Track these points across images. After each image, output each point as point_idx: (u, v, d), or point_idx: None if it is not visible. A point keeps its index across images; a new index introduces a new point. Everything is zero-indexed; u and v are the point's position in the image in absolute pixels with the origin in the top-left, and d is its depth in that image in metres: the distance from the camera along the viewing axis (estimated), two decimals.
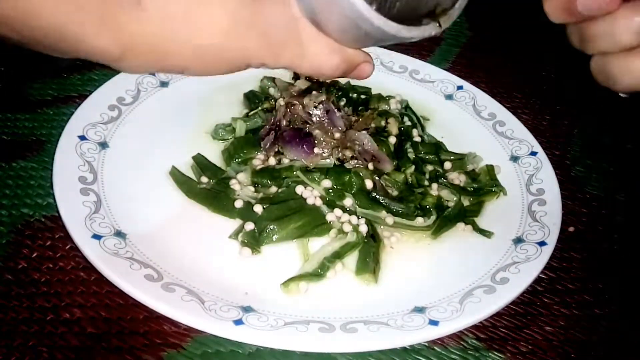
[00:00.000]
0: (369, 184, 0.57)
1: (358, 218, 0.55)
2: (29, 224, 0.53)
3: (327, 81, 0.71)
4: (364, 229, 0.54)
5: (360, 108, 0.68)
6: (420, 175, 0.61)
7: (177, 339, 0.46)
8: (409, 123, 0.67)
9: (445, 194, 0.60)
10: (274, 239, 0.53)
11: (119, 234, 0.51)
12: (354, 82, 0.72)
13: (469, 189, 0.62)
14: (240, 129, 0.63)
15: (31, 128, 0.62)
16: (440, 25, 0.41)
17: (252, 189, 0.57)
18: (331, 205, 0.56)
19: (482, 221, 0.59)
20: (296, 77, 0.71)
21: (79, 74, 0.70)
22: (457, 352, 0.48)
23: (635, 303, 0.55)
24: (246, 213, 0.55)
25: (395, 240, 0.56)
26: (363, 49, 0.42)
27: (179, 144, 0.62)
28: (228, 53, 0.38)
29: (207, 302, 0.47)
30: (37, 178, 0.57)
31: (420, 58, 0.79)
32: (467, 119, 0.71)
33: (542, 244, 0.55)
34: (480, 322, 0.50)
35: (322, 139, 0.60)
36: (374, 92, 0.71)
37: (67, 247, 0.51)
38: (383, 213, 0.57)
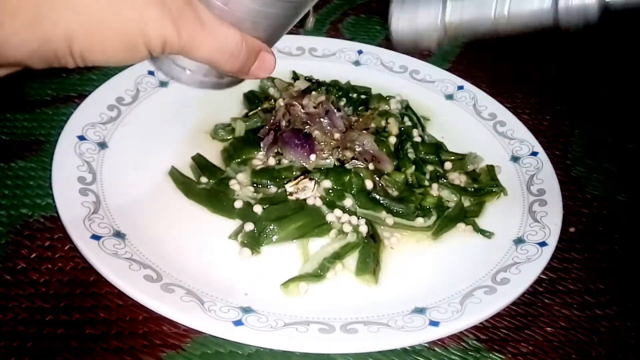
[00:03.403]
0: (369, 184, 0.57)
1: (358, 218, 0.55)
2: (27, 224, 0.53)
3: (327, 81, 0.70)
4: (364, 229, 0.54)
5: (360, 108, 0.67)
6: (421, 175, 0.61)
7: (177, 340, 0.46)
8: (409, 123, 0.67)
9: (446, 194, 0.60)
10: (274, 240, 0.53)
11: (118, 234, 0.51)
12: (354, 82, 0.72)
13: (469, 189, 0.61)
14: (240, 129, 0.63)
15: (30, 128, 0.62)
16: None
17: (252, 189, 0.57)
18: (331, 206, 0.56)
19: (482, 221, 0.59)
20: (295, 77, 0.71)
21: (78, 74, 0.70)
22: (458, 353, 0.48)
23: (636, 304, 0.55)
24: (246, 213, 0.55)
25: (396, 240, 0.56)
26: None
27: (178, 144, 0.62)
28: (121, 23, 0.32)
29: (207, 302, 0.46)
30: (36, 178, 0.57)
31: (420, 58, 0.79)
32: (467, 119, 0.71)
33: (542, 244, 0.55)
34: (481, 323, 0.50)
35: (321, 139, 0.59)
36: (374, 92, 0.71)
37: (66, 248, 0.51)
38: (383, 213, 0.56)
